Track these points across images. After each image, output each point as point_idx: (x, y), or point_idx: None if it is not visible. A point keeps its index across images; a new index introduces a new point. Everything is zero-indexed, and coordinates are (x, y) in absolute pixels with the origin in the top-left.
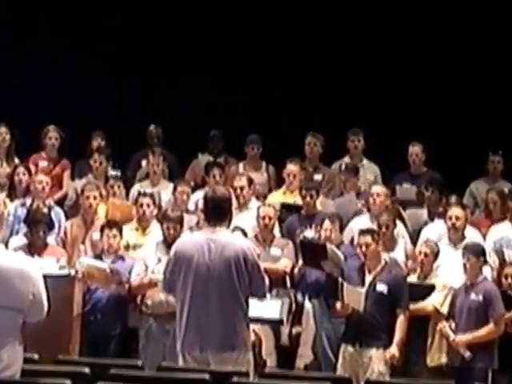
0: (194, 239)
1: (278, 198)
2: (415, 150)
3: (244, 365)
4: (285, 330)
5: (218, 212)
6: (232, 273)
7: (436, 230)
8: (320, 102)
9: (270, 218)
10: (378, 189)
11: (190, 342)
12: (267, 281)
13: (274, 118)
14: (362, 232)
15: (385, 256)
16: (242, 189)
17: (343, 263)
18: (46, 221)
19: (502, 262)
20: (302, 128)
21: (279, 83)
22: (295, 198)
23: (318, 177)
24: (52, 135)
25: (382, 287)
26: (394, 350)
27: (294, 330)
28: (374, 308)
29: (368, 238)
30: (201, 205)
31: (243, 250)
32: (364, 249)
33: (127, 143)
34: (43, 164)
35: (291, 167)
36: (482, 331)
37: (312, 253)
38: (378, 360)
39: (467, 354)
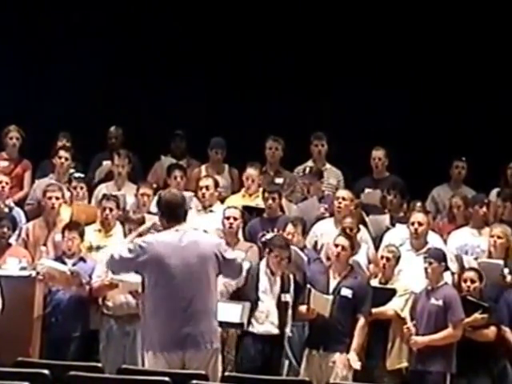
0: (164, 239)
1: (236, 201)
2: (378, 153)
3: (217, 362)
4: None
5: (180, 212)
6: (207, 269)
7: (398, 235)
8: (282, 106)
9: (235, 219)
10: (344, 193)
11: (167, 341)
12: (239, 260)
13: (236, 121)
14: (344, 234)
15: (350, 261)
16: (207, 188)
17: (306, 266)
18: (8, 219)
19: (462, 268)
20: (264, 131)
21: (241, 85)
22: (254, 202)
23: (279, 180)
24: (13, 135)
25: (346, 292)
26: (351, 355)
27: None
28: (339, 312)
29: (346, 242)
30: None
31: (214, 245)
32: (340, 249)
33: (90, 144)
34: (4, 164)
35: (250, 171)
36: (440, 334)
37: None
38: (341, 364)
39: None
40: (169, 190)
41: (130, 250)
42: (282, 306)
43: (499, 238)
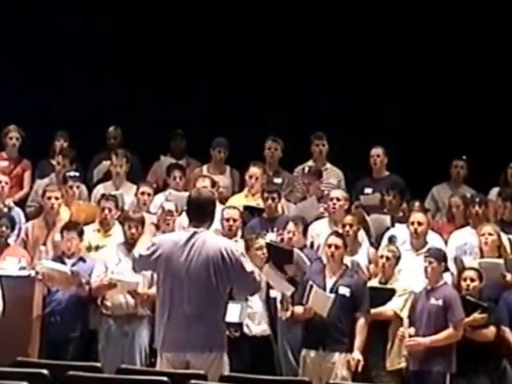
0: (175, 238)
1: (239, 200)
2: (377, 151)
3: (221, 366)
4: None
5: (200, 213)
6: (210, 273)
7: (398, 235)
8: (282, 105)
9: (234, 220)
10: (337, 193)
11: (170, 342)
12: (256, 277)
13: (236, 121)
14: (335, 233)
15: (346, 260)
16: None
17: (307, 268)
18: (7, 218)
19: (462, 269)
20: (264, 131)
21: (241, 85)
22: (257, 201)
23: (277, 180)
24: (13, 135)
25: (344, 290)
26: (356, 355)
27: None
28: (337, 311)
29: (339, 241)
30: (166, 206)
31: (223, 249)
32: (333, 249)
33: (90, 144)
34: (3, 164)
35: (254, 170)
36: (441, 335)
37: (278, 256)
38: (341, 365)
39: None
40: (199, 189)
41: (147, 248)
42: (271, 303)
43: (490, 234)
